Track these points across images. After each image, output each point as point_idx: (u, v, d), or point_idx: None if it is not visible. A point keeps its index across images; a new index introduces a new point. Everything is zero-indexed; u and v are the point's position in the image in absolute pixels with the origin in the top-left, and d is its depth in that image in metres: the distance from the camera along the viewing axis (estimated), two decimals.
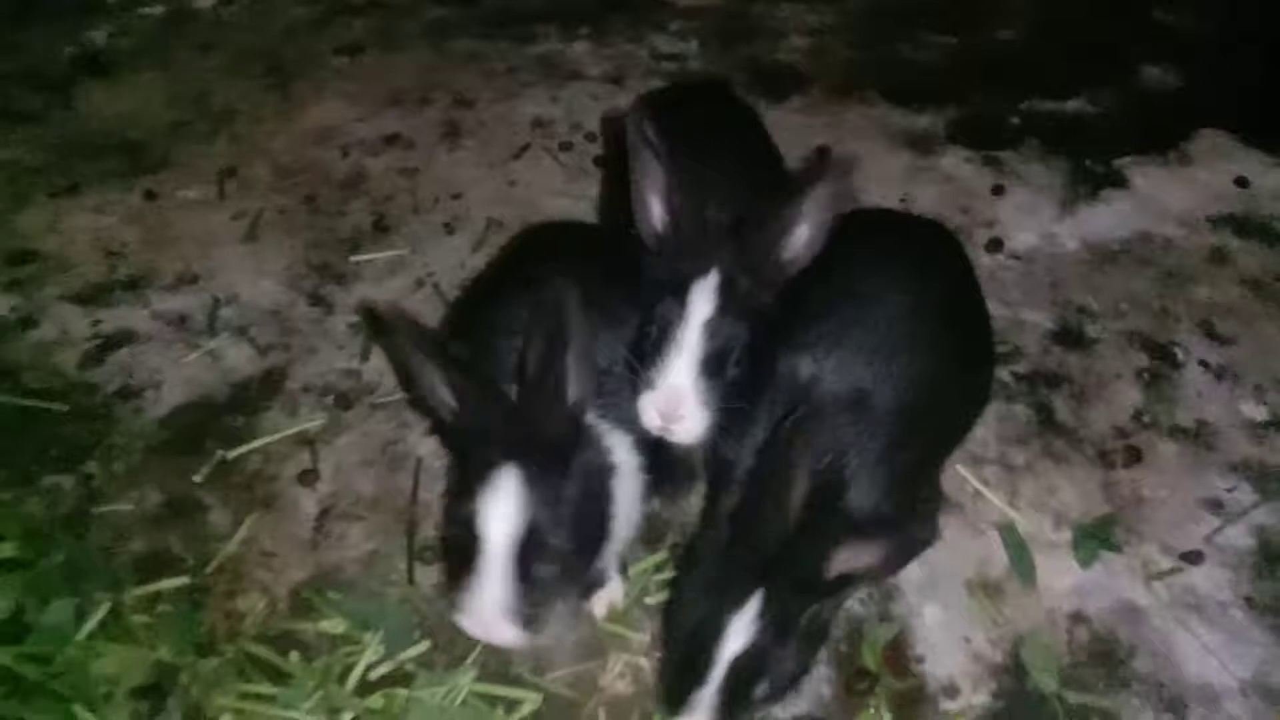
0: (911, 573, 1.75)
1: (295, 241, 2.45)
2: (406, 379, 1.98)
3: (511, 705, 1.58)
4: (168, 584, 1.74)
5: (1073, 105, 2.85)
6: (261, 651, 1.64)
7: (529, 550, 1.36)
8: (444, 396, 1.42)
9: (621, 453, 1.51)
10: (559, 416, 1.38)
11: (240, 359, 2.16)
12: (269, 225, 2.50)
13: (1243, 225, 2.45)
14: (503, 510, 1.35)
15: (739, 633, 1.34)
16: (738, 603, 1.35)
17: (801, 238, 1.49)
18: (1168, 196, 2.53)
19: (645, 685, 1.61)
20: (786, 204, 1.47)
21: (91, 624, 1.67)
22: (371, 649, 1.64)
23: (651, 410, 1.46)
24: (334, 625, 1.68)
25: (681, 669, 1.39)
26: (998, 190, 2.55)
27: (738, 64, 3.02)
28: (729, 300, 1.48)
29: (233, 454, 1.96)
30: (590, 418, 1.46)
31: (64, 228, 2.49)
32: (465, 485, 1.41)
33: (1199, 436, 1.98)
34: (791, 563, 1.33)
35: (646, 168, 1.51)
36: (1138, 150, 2.67)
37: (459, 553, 1.41)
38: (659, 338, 1.48)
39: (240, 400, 2.08)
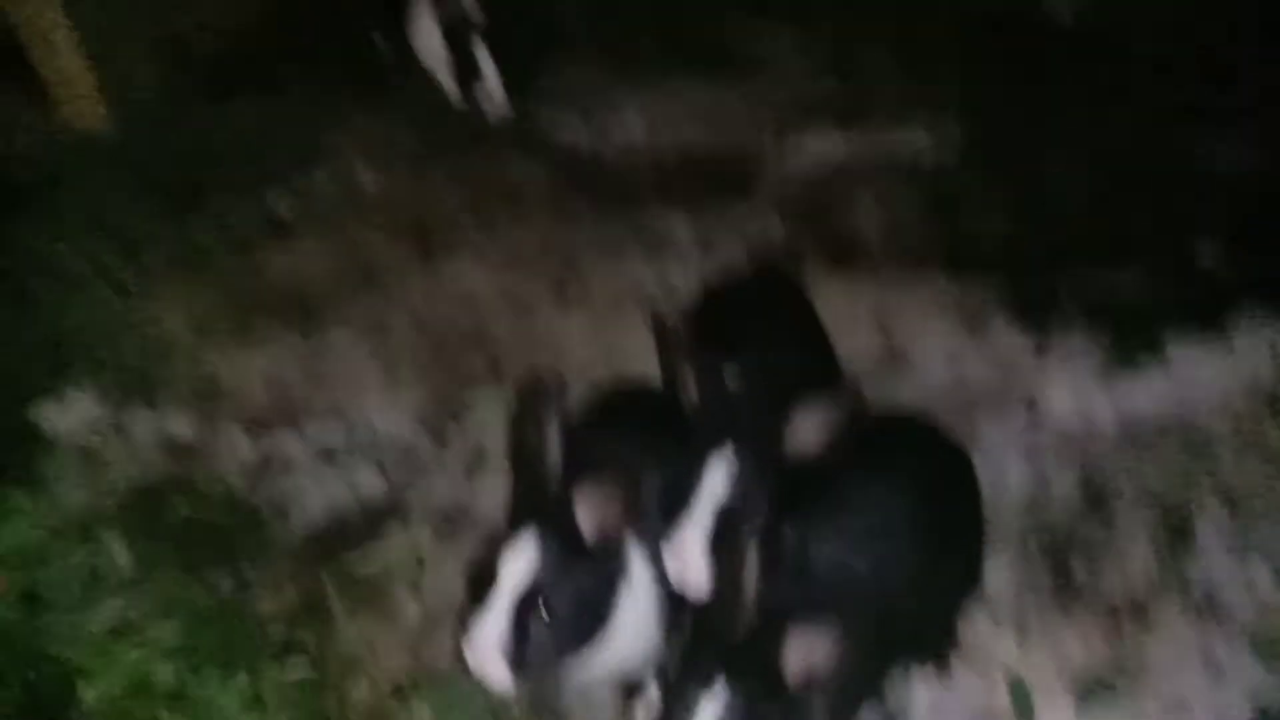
0: (919, 706, 1.98)
1: (423, 385, 2.92)
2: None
3: None
4: (294, 664, 2.14)
5: (1122, 277, 3.08)
6: None
7: (529, 604, 1.66)
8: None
9: (637, 564, 1.82)
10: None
11: (371, 483, 2.61)
12: (405, 371, 2.98)
13: (1276, 404, 2.62)
14: (517, 562, 1.68)
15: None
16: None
17: (799, 439, 1.81)
18: (1204, 372, 2.73)
19: None
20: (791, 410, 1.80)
21: (233, 693, 2.08)
22: None
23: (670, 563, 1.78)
24: (424, 714, 2.04)
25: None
26: (1039, 356, 2.81)
27: (813, 237, 3.40)
28: (740, 474, 1.79)
29: (357, 565, 2.37)
30: None
31: (238, 366, 3.04)
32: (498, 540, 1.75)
33: (1208, 606, 2.15)
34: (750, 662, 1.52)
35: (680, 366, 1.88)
36: (1180, 324, 2.87)
37: (476, 594, 1.73)
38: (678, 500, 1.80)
39: (368, 518, 2.51)
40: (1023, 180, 3.56)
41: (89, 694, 2.14)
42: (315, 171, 4.01)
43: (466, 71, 3.73)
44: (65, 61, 4.24)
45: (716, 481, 1.81)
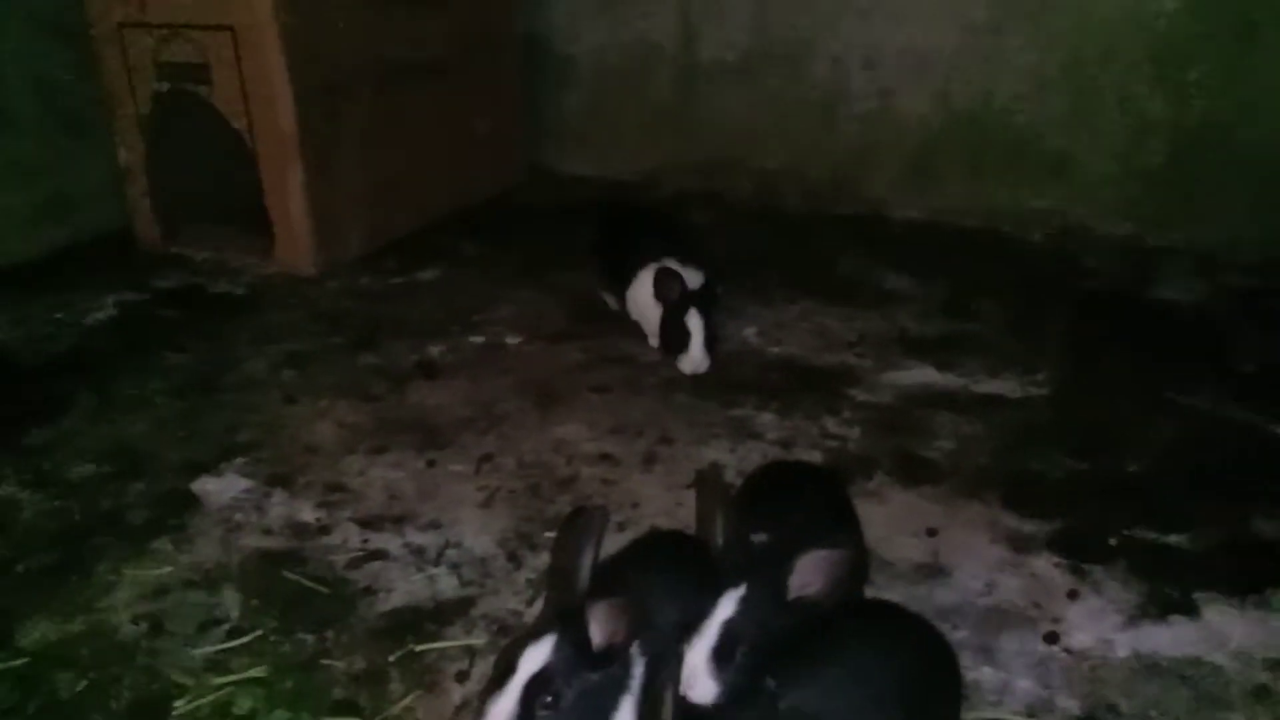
0: None
1: (513, 514, 3.35)
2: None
3: None
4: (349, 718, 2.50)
5: (1173, 539, 3.23)
6: None
7: (537, 691, 1.97)
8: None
9: (639, 674, 2.13)
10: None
11: (448, 586, 3.00)
12: (500, 499, 3.43)
13: None
14: (534, 657, 2.00)
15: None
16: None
17: (800, 580, 2.13)
18: (1232, 631, 2.82)
19: None
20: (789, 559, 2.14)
21: None
22: None
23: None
24: None
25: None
26: (1072, 595, 2.97)
27: (887, 451, 3.71)
28: (746, 609, 2.13)
29: (419, 648, 2.74)
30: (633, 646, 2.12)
31: (368, 474, 3.57)
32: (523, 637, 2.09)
33: None
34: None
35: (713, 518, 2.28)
36: (1220, 589, 2.99)
37: (497, 678, 2.04)
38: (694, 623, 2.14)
39: (438, 614, 2.89)
40: (1093, 439, 3.80)
41: (181, 708, 2.54)
42: (472, 333, 4.69)
43: (676, 335, 4.15)
44: (294, 218, 5.17)
45: (727, 609, 2.14)
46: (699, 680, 2.09)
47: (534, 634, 2.08)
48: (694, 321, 4.05)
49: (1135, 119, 5.56)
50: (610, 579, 2.27)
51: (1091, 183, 5.75)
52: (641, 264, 4.32)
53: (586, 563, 2.18)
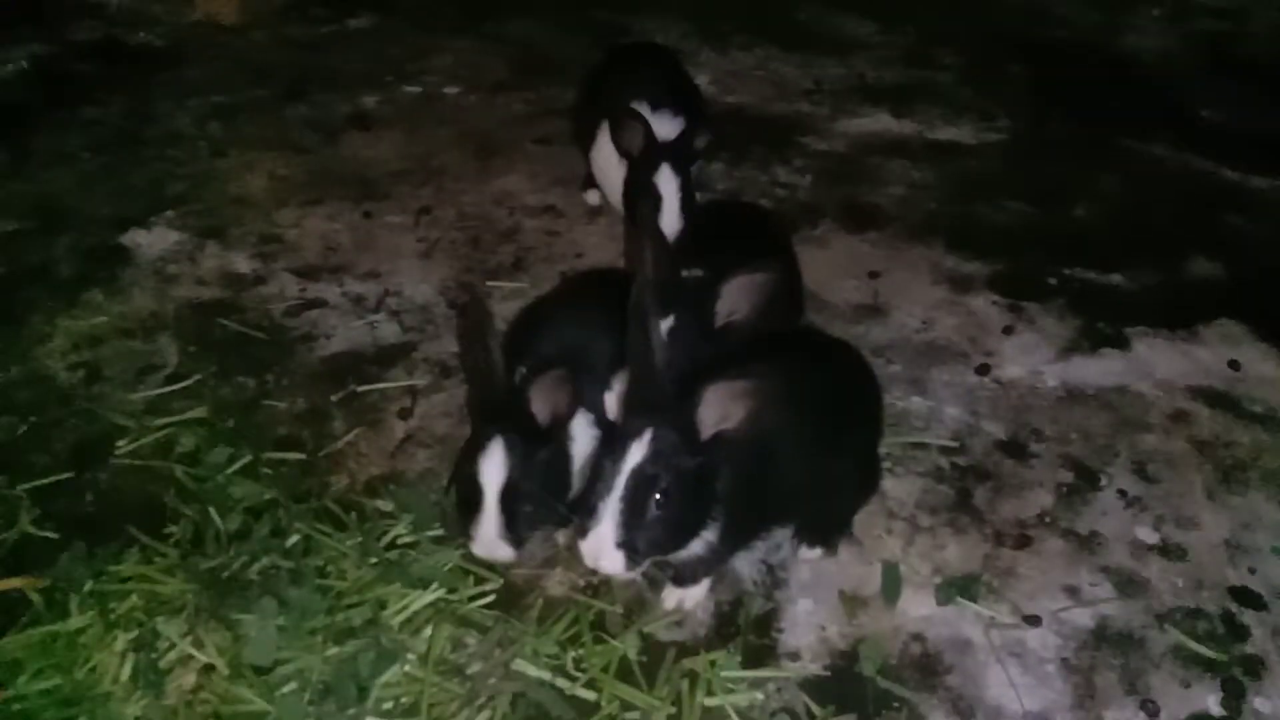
0: (802, 575, 2.26)
1: (454, 264, 3.29)
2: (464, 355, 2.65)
3: (480, 580, 2.22)
4: (290, 455, 2.53)
5: (1112, 279, 3.26)
6: (334, 508, 2.37)
7: (511, 495, 2.01)
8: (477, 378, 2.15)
9: (581, 428, 2.18)
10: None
11: (389, 331, 2.98)
12: (440, 250, 3.36)
13: (1217, 399, 2.78)
14: (493, 468, 2.02)
15: (637, 452, 1.77)
16: (637, 433, 1.78)
17: (729, 302, 2.10)
18: (1160, 362, 2.90)
19: (574, 593, 2.20)
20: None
21: (236, 466, 2.48)
22: (403, 524, 2.33)
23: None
24: (385, 505, 2.39)
25: (593, 487, 1.81)
26: (1007, 330, 3.02)
27: (836, 199, 3.65)
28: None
29: (361, 388, 2.75)
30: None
31: (303, 226, 3.46)
32: (471, 450, 2.07)
33: (1087, 541, 2.36)
34: (672, 414, 1.78)
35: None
36: (1153, 324, 3.05)
37: (465, 499, 2.07)
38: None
39: (380, 357, 2.88)
40: (1045, 185, 3.75)
41: (124, 447, 2.56)
42: (408, 83, 4.45)
43: (642, 200, 2.94)
44: None
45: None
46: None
47: (479, 444, 2.04)
48: (666, 182, 2.90)
49: None
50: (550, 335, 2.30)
51: None
52: (602, 115, 3.14)
53: (497, 353, 2.10)
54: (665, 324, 2.13)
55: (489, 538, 2.04)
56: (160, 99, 4.27)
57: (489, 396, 2.11)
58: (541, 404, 2.05)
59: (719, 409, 1.78)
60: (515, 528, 2.05)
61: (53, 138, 4.01)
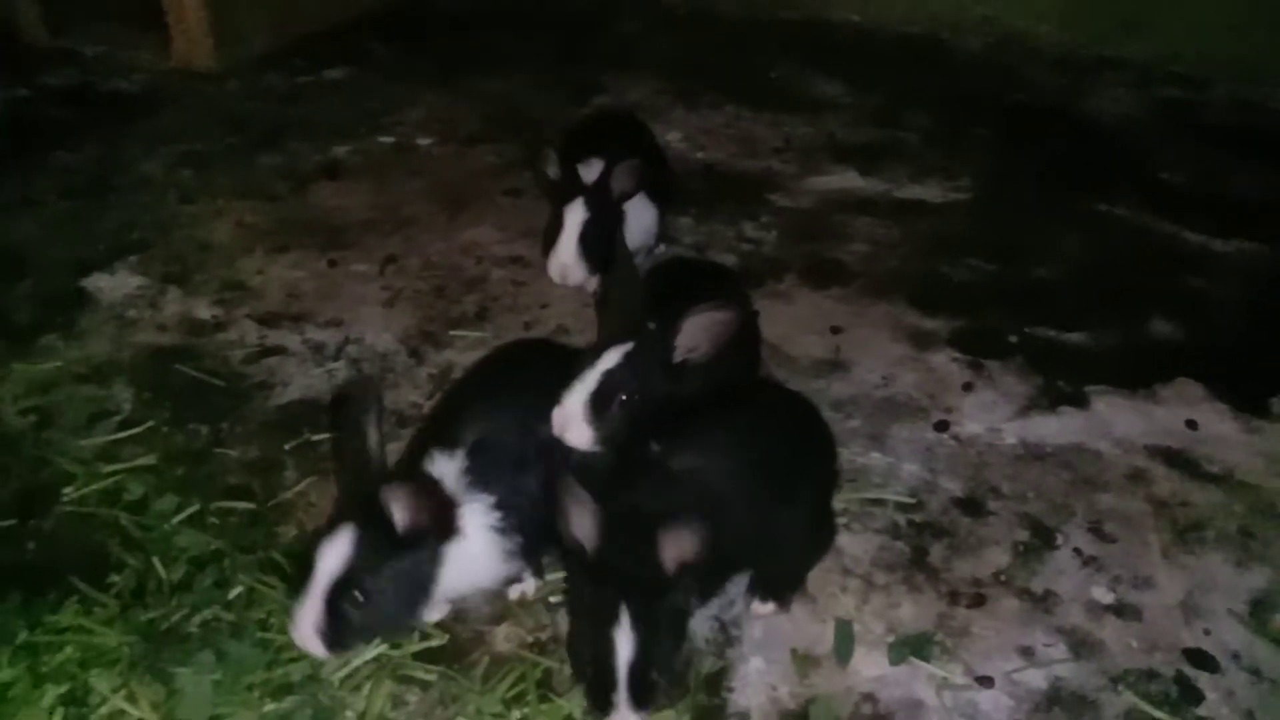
0: (754, 632, 2.22)
1: (417, 313, 3.28)
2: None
3: (425, 636, 2.17)
4: (240, 504, 2.49)
5: (1072, 338, 3.28)
6: (280, 560, 2.33)
7: (342, 594, 1.86)
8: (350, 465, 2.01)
9: (475, 519, 2.02)
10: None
11: (347, 379, 2.96)
12: (404, 300, 3.35)
13: (1174, 458, 2.78)
14: (331, 560, 1.87)
15: (625, 642, 1.74)
16: (614, 618, 1.80)
17: (688, 338, 2.12)
18: (1118, 421, 2.91)
19: (521, 649, 2.16)
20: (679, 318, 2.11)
21: (184, 514, 2.44)
22: None
23: (554, 420, 2.09)
24: None
25: (597, 683, 1.80)
26: (967, 387, 3.03)
27: (801, 254, 3.68)
28: (629, 363, 2.12)
29: (315, 437, 2.72)
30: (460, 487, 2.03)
31: (267, 273, 3.46)
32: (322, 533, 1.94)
33: (1042, 601, 2.34)
34: (638, 570, 1.78)
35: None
36: (1112, 383, 3.06)
37: (298, 582, 1.94)
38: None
39: (335, 406, 2.86)
40: (1008, 244, 3.79)
41: (71, 494, 2.51)
42: (381, 134, 4.48)
43: (548, 231, 3.17)
44: (189, 11, 4.81)
45: (610, 360, 2.12)
46: (573, 425, 2.09)
47: (330, 527, 1.92)
48: (571, 215, 3.05)
49: None
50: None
51: None
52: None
53: (375, 440, 1.96)
54: (623, 348, 2.15)
55: (303, 630, 1.87)
56: (132, 145, 4.28)
57: (360, 488, 1.95)
58: (400, 511, 1.88)
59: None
60: (338, 629, 1.88)
61: (21, 182, 4.00)
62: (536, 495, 2.08)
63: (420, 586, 1.97)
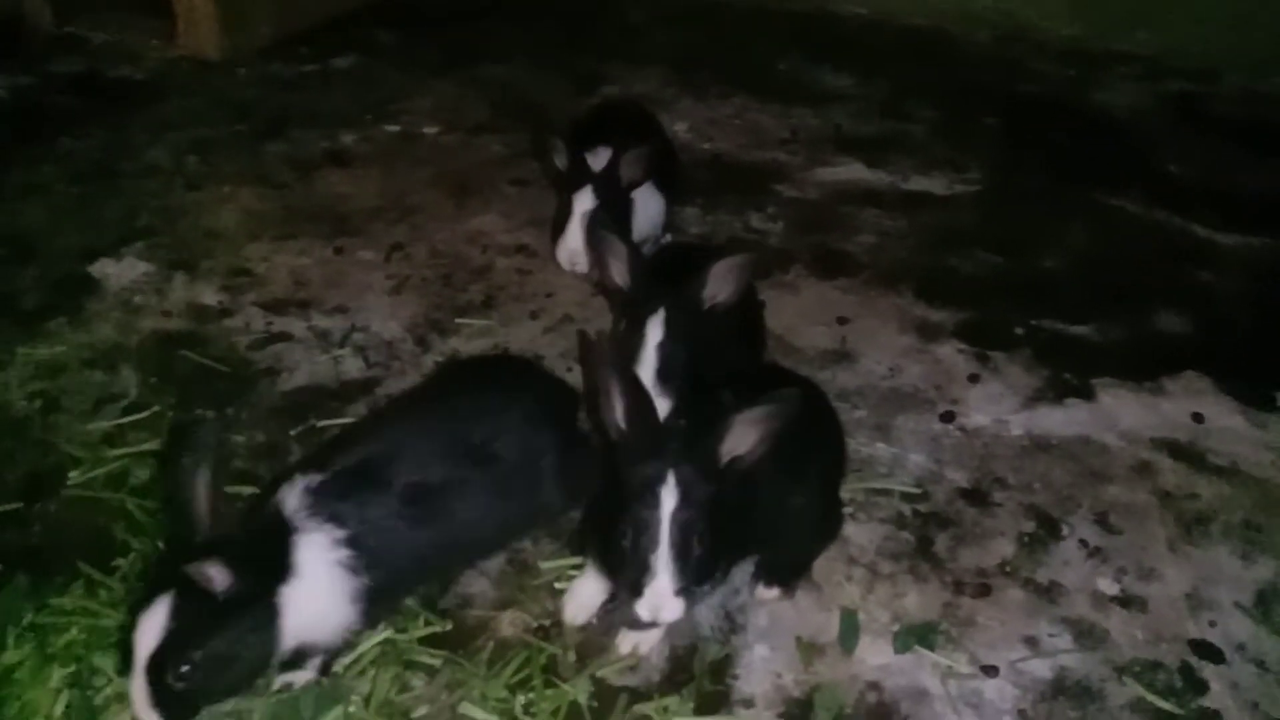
0: (759, 620, 2.22)
1: (423, 301, 3.28)
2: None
3: (429, 623, 2.18)
4: (245, 489, 2.49)
5: (1078, 330, 3.28)
6: None
7: (165, 667, 1.71)
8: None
9: (315, 555, 1.87)
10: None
11: (353, 367, 2.96)
12: (410, 287, 3.35)
13: (1180, 451, 2.78)
14: (148, 632, 1.70)
15: (670, 497, 1.73)
16: (661, 478, 1.75)
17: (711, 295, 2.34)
18: (1124, 413, 2.90)
19: (526, 635, 2.16)
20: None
21: None
22: None
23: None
24: None
25: (634, 557, 1.74)
26: (973, 379, 3.02)
27: (808, 245, 3.67)
28: (671, 328, 2.29)
29: (321, 423, 2.73)
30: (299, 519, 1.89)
31: (273, 260, 3.46)
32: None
33: (1047, 592, 2.34)
34: (692, 452, 1.79)
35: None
36: (1118, 375, 3.06)
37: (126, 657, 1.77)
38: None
39: (342, 393, 2.86)
40: (1015, 236, 3.78)
41: (76, 478, 2.52)
42: (387, 123, 4.47)
43: (557, 219, 3.22)
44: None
45: (655, 334, 2.33)
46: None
47: (148, 595, 1.75)
48: (579, 203, 3.08)
49: None
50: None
51: None
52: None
53: (203, 497, 1.78)
54: (658, 317, 2.34)
55: (140, 712, 1.73)
56: (138, 133, 4.28)
57: (179, 550, 1.78)
58: (219, 576, 1.72)
59: (740, 439, 1.81)
60: (175, 705, 1.73)
61: (28, 169, 4.00)
62: (399, 529, 1.97)
63: (260, 643, 1.81)
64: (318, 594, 1.88)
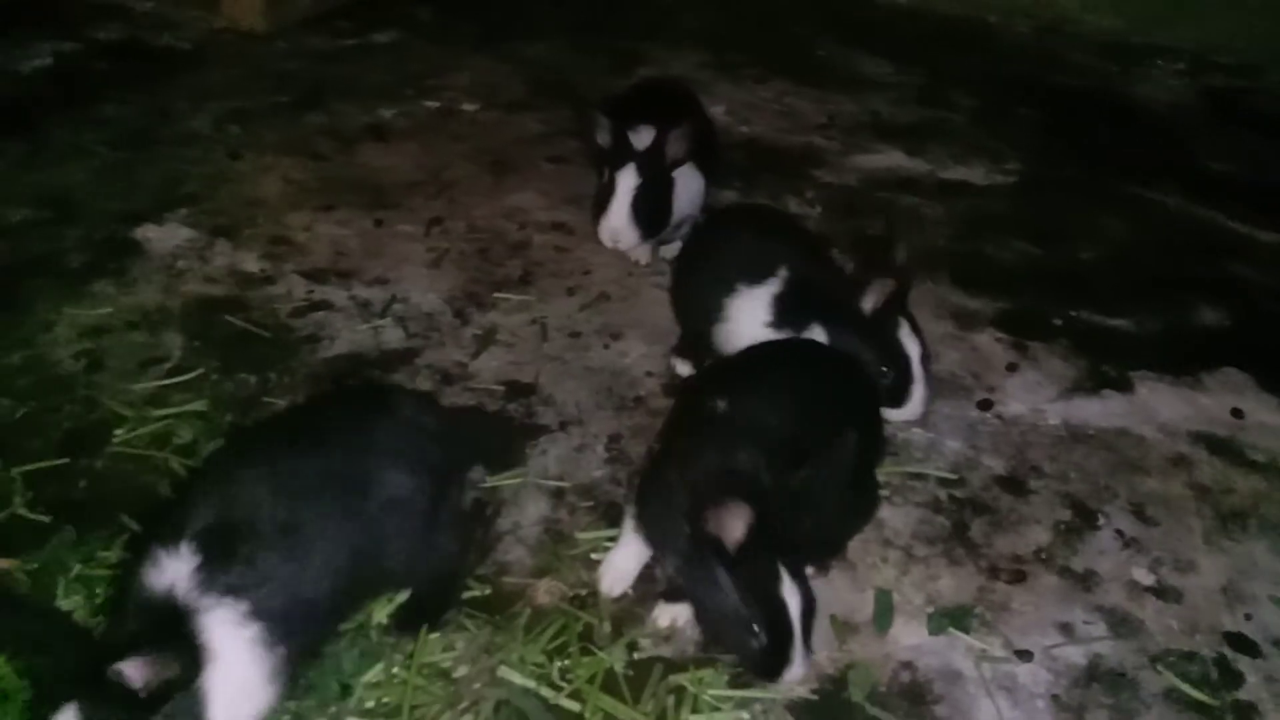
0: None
1: (462, 275, 3.30)
2: None
3: (468, 588, 2.20)
4: None
5: (1117, 322, 3.27)
6: None
7: None
8: None
9: (226, 633, 1.65)
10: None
11: (393, 337, 2.99)
12: (449, 260, 3.37)
13: (1219, 446, 2.77)
14: None
15: (793, 598, 1.83)
16: (777, 581, 1.83)
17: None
18: (1162, 407, 2.90)
19: (562, 603, 2.18)
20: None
21: None
22: None
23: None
24: None
25: (774, 643, 1.83)
26: (1011, 368, 3.02)
27: (844, 230, 3.67)
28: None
29: None
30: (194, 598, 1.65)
31: (314, 230, 3.48)
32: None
33: (1082, 580, 2.34)
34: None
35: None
36: (1157, 368, 3.05)
37: None
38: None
39: (382, 362, 2.89)
40: (1052, 227, 3.76)
41: (121, 436, 2.56)
42: (426, 98, 4.49)
43: (599, 195, 3.19)
44: None
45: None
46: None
47: (49, 708, 1.57)
48: (623, 180, 3.07)
49: None
50: None
51: None
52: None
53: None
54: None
55: None
56: (179, 100, 4.31)
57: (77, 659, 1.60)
58: (140, 679, 1.53)
59: None
60: None
61: (70, 132, 4.03)
62: (300, 584, 1.76)
63: None
64: (239, 678, 1.69)
